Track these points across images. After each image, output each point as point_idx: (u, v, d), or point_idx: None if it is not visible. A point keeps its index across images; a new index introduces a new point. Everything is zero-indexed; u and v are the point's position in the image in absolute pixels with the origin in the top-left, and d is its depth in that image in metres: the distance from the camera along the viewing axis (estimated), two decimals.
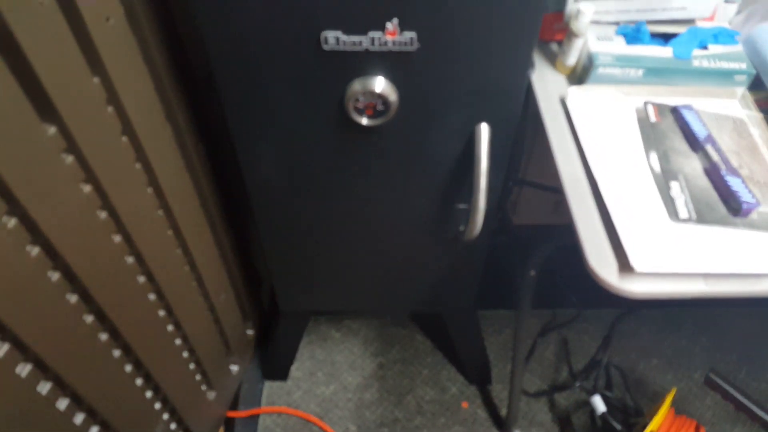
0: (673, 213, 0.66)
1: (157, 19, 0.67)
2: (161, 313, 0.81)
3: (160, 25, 0.68)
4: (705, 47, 0.81)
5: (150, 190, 0.73)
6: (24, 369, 0.54)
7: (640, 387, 1.30)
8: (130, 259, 0.70)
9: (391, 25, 0.64)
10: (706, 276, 0.62)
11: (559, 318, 1.40)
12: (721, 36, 0.81)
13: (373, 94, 0.71)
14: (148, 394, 0.80)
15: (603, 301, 0.68)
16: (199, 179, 0.85)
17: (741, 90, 0.80)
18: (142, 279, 0.74)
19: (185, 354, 0.92)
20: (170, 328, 0.85)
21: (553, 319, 1.40)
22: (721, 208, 0.67)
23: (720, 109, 0.78)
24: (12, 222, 0.50)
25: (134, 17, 0.63)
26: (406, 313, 1.42)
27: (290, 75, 0.70)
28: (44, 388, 0.57)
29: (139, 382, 0.77)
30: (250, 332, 1.23)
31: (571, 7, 0.82)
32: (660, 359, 1.35)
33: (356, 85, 0.70)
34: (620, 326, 1.40)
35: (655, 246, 0.63)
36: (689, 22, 0.85)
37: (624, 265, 0.63)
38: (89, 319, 0.64)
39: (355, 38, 0.65)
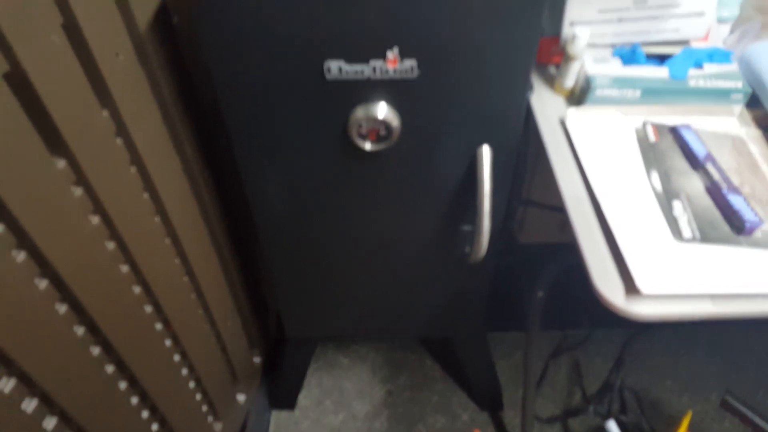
0: (676, 232, 0.66)
1: (165, 53, 0.69)
2: (168, 342, 0.81)
3: (168, 58, 0.70)
4: (700, 67, 0.82)
5: (157, 219, 0.74)
6: (30, 404, 0.53)
7: (655, 410, 1.28)
8: (137, 289, 0.71)
9: (392, 54, 0.66)
10: (713, 296, 0.62)
11: (570, 339, 1.38)
12: (716, 56, 0.83)
13: (375, 120, 0.72)
14: (155, 427, 0.80)
15: (614, 321, 0.67)
16: (207, 207, 0.86)
17: (738, 108, 0.81)
18: (149, 309, 0.75)
19: (191, 384, 0.91)
20: (177, 358, 0.85)
21: (564, 341, 1.38)
22: (725, 227, 0.67)
23: (718, 127, 0.79)
24: (21, 255, 0.50)
25: (143, 52, 0.65)
26: (414, 337, 1.41)
27: (294, 104, 0.71)
28: (50, 423, 0.56)
29: (145, 414, 0.76)
30: (257, 360, 1.22)
31: (567, 31, 0.84)
32: (674, 381, 1.33)
33: (359, 112, 0.72)
34: (632, 347, 1.38)
35: (661, 267, 0.63)
36: (684, 42, 0.86)
37: (630, 287, 0.63)
38: (96, 351, 0.64)
39: (357, 67, 0.67)
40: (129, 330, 0.69)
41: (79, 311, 0.60)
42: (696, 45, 0.86)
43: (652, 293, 0.61)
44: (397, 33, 0.64)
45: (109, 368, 0.67)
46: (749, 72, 0.81)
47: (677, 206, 0.69)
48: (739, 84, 0.80)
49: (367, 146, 0.75)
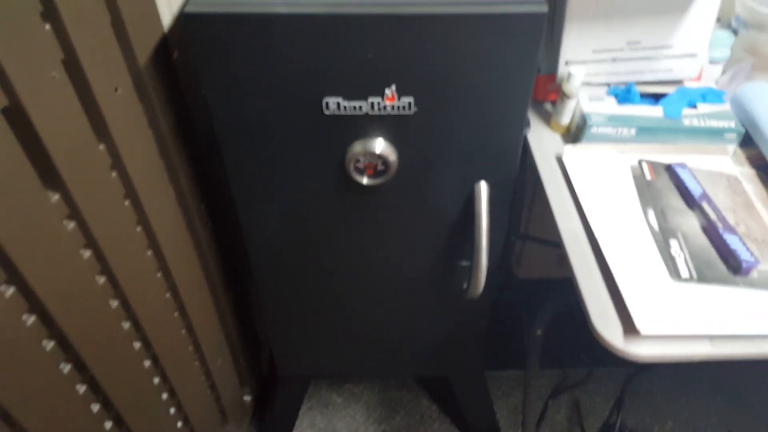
0: (674, 272, 0.66)
1: (163, 87, 0.70)
2: (156, 380, 0.79)
3: (166, 92, 0.70)
4: (694, 106, 0.83)
5: (150, 252, 0.73)
6: None
7: None
8: (126, 325, 0.69)
9: (390, 91, 0.67)
10: (711, 337, 0.61)
11: (569, 378, 1.36)
12: (709, 95, 0.84)
13: (373, 155, 0.72)
14: None
15: (614, 360, 0.67)
16: (200, 240, 0.86)
17: (732, 147, 0.82)
18: (137, 345, 0.73)
19: (179, 424, 0.89)
20: (164, 396, 0.83)
21: (563, 380, 1.36)
22: (721, 267, 0.66)
23: (713, 166, 0.79)
24: (10, 291, 0.49)
25: (142, 86, 0.65)
26: (410, 375, 1.38)
27: (292, 138, 0.72)
28: None
29: None
30: (247, 398, 1.19)
31: (562, 69, 0.85)
32: (675, 421, 1.30)
33: (357, 147, 0.72)
34: (633, 386, 1.35)
35: (659, 307, 0.62)
36: (677, 82, 0.88)
37: (629, 327, 0.62)
38: (82, 389, 0.62)
39: (356, 103, 0.68)
40: (116, 367, 0.67)
41: (66, 348, 0.58)
42: (689, 84, 0.88)
43: (651, 334, 0.61)
44: (395, 71, 0.65)
45: (95, 407, 0.66)
46: (742, 112, 0.82)
47: (674, 245, 0.68)
48: (732, 124, 0.81)
49: (365, 180, 0.75)
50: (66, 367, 0.59)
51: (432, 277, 0.92)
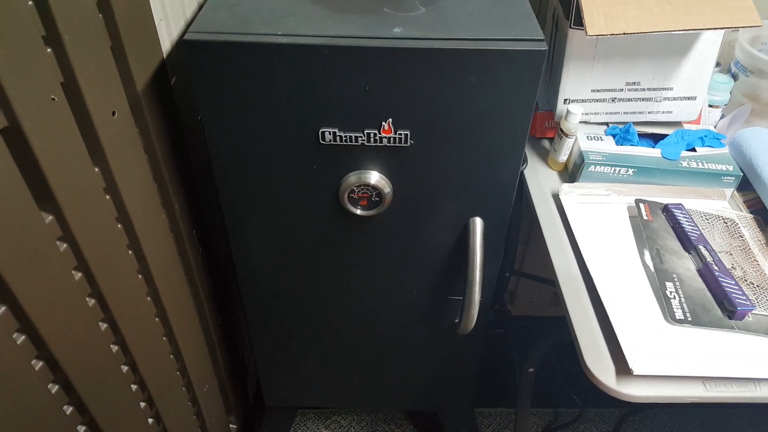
0: (668, 314, 0.65)
1: (160, 112, 0.70)
2: (142, 404, 0.78)
3: (162, 117, 0.71)
4: (693, 149, 0.84)
5: (140, 276, 0.72)
6: None
7: None
8: (114, 348, 0.68)
9: (386, 124, 0.67)
10: (705, 379, 0.61)
11: (561, 418, 1.33)
12: (708, 138, 0.84)
13: (367, 186, 0.72)
14: None
15: (606, 400, 0.66)
16: (191, 266, 0.85)
17: (730, 191, 0.82)
18: (125, 368, 0.72)
19: None
20: (150, 420, 0.81)
21: (555, 419, 1.33)
22: (716, 310, 0.66)
23: (710, 208, 0.79)
24: (1, 309, 0.49)
25: (139, 110, 0.65)
26: (399, 409, 1.35)
27: (287, 166, 0.72)
28: None
29: None
30: (233, 426, 1.17)
31: (561, 107, 0.86)
32: None
33: (351, 178, 0.72)
34: (625, 427, 1.33)
35: (653, 348, 0.62)
36: (676, 124, 0.88)
37: (622, 368, 0.61)
38: (69, 410, 0.61)
39: (352, 134, 0.68)
40: (103, 390, 0.66)
41: (54, 368, 0.58)
42: (688, 126, 0.88)
43: (644, 374, 0.60)
44: (392, 103, 0.65)
45: (81, 429, 0.64)
46: (740, 156, 0.82)
47: (669, 287, 0.68)
48: (731, 167, 0.81)
49: (358, 211, 0.75)
50: (54, 388, 0.58)
51: (423, 310, 0.91)
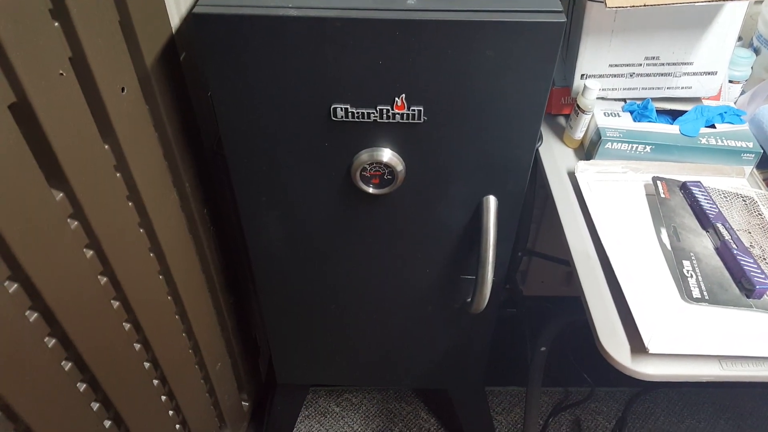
0: (685, 292, 0.64)
1: (170, 89, 0.69)
2: (155, 382, 0.78)
3: (172, 94, 0.70)
4: (712, 126, 0.82)
5: (151, 254, 0.72)
6: None
7: None
8: (127, 326, 0.69)
9: (399, 99, 0.66)
10: (721, 358, 0.61)
11: (571, 396, 1.34)
12: (728, 115, 0.82)
13: (380, 163, 0.71)
14: None
15: (617, 380, 0.65)
16: (202, 245, 0.85)
17: (749, 168, 0.80)
18: (138, 346, 0.72)
19: (177, 427, 0.88)
20: (163, 398, 0.82)
21: (565, 398, 1.33)
22: (734, 289, 0.65)
23: (729, 186, 0.78)
24: (13, 287, 0.49)
25: (148, 87, 0.64)
26: (410, 387, 1.36)
27: (299, 144, 0.71)
28: None
29: None
30: (245, 404, 1.18)
31: (577, 83, 0.84)
32: None
33: (364, 155, 0.71)
34: (636, 406, 1.33)
35: (669, 326, 0.61)
36: (695, 100, 0.86)
37: (637, 346, 0.61)
38: (82, 387, 0.62)
39: (364, 110, 0.67)
40: (116, 367, 0.67)
41: (67, 346, 0.58)
42: (708, 102, 0.86)
43: (660, 352, 0.60)
44: (405, 78, 0.64)
45: (95, 405, 0.65)
46: (760, 133, 0.80)
47: (686, 265, 0.67)
48: (751, 144, 0.79)
49: (371, 190, 0.74)
50: (67, 365, 0.59)
51: (435, 289, 0.90)
